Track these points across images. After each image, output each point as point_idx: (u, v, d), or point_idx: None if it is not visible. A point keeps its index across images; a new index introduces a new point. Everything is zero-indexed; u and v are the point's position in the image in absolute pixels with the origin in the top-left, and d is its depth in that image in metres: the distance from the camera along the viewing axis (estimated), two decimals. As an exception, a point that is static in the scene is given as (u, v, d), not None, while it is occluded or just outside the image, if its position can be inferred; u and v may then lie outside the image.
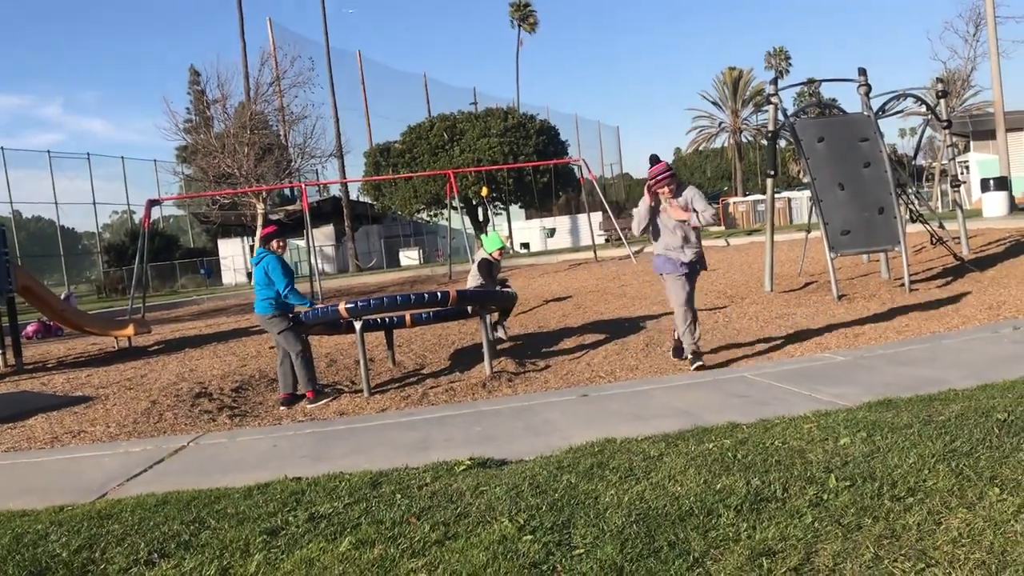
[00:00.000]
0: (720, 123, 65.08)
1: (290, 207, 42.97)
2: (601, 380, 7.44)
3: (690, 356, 7.26)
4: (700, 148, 69.67)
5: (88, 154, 41.59)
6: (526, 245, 46.30)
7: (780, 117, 12.25)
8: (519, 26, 65.78)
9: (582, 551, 2.88)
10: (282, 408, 7.61)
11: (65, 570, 3.21)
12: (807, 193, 14.50)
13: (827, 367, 6.32)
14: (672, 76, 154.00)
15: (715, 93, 65.37)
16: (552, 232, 47.59)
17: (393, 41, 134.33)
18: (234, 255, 44.46)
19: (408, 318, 9.23)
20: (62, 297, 14.63)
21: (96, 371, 10.71)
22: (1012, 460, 3.31)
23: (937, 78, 18.32)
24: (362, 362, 7.77)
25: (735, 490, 3.31)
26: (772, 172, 12.72)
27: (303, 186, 26.37)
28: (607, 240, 33.66)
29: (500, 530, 3.13)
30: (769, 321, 9.49)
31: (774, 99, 12.27)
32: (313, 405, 7.48)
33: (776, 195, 13.74)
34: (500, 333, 10.34)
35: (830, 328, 8.59)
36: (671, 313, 11.63)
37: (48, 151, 39.38)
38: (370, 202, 46.52)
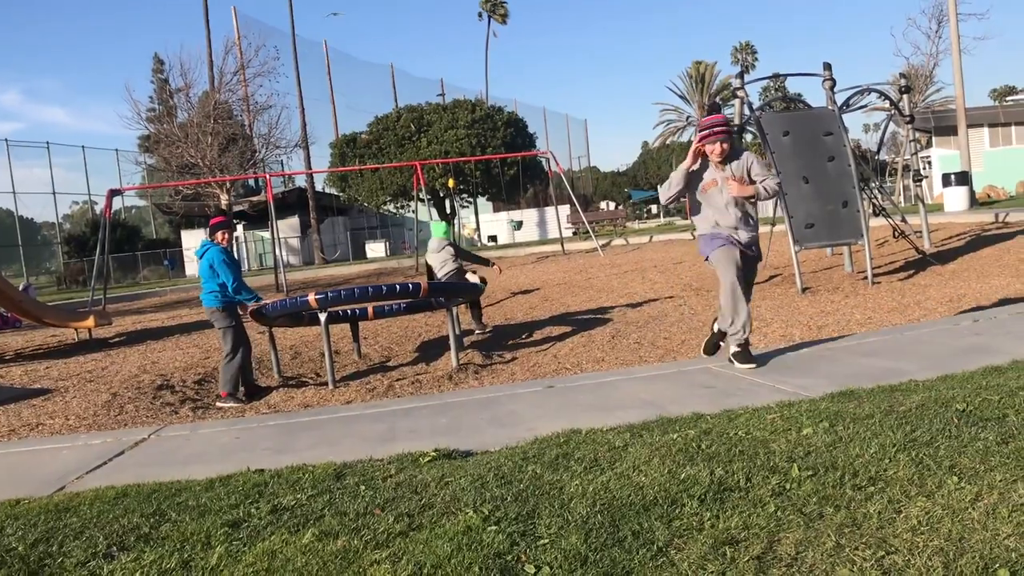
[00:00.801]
0: (687, 117, 65.47)
1: (254, 198, 42.62)
2: (567, 372, 7.45)
3: (735, 350, 5.94)
4: (667, 142, 70.04)
5: (47, 143, 40.91)
6: (493, 238, 46.30)
7: (746, 111, 12.34)
8: (489, 17, 65.63)
9: (547, 541, 2.88)
10: (244, 398, 7.53)
11: (21, 564, 3.15)
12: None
13: (791, 358, 6.37)
14: (640, 70, 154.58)
15: (682, 87, 65.76)
16: (519, 225, 47.63)
17: (360, 31, 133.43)
18: (197, 246, 43.90)
19: (370, 310, 9.18)
20: (20, 288, 14.37)
21: (55, 363, 10.54)
22: (970, 450, 3.35)
23: (900, 74, 18.52)
24: (327, 354, 7.71)
25: (699, 480, 3.32)
26: (737, 165, 12.79)
27: (268, 177, 26.15)
28: (575, 233, 33.73)
29: (465, 521, 3.12)
30: (734, 313, 9.55)
31: (740, 93, 12.35)
32: (222, 403, 7.40)
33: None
34: (477, 328, 10.28)
35: (794, 320, 8.67)
36: (637, 305, 11.78)
37: (6, 139, 38.66)
38: (336, 193, 46.22)
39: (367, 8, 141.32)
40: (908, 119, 14.20)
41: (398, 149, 39.14)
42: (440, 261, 10.37)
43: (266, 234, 35.70)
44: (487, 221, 47.92)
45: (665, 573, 2.60)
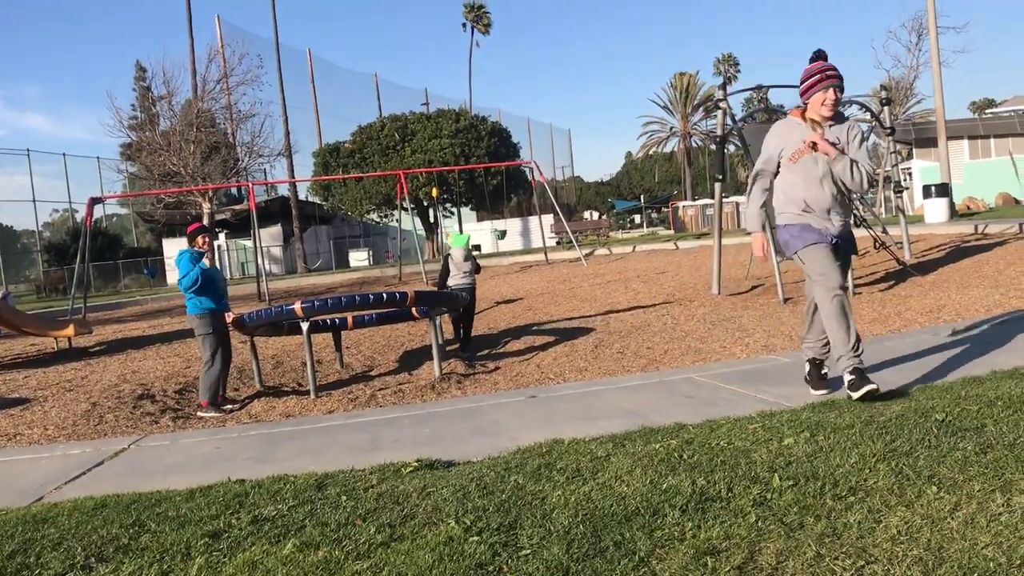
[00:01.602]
0: (671, 128, 65.82)
1: (237, 206, 42.45)
2: (550, 381, 7.45)
3: (849, 376, 4.67)
4: (651, 152, 70.38)
5: (28, 150, 40.74)
6: (477, 247, 46.29)
7: (728, 122, 12.41)
8: (473, 27, 65.82)
9: (528, 552, 2.88)
10: (226, 408, 7.49)
11: (-3, 576, 3.12)
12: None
13: (773, 368, 6.40)
14: (624, 81, 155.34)
15: (666, 97, 66.12)
16: (503, 234, 47.69)
17: (344, 40, 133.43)
18: (177, 256, 43.65)
19: (350, 320, 9.14)
20: (-1, 296, 14.22)
21: (34, 372, 10.44)
22: (949, 459, 3.38)
23: (881, 86, 18.77)
24: (309, 363, 7.68)
25: (681, 490, 3.33)
26: (720, 177, 12.88)
27: (250, 185, 26.06)
28: (558, 243, 33.79)
29: (446, 531, 3.11)
30: (716, 323, 9.60)
31: (723, 104, 12.43)
32: (203, 413, 7.36)
33: (724, 199, 13.96)
34: (463, 353, 9.74)
35: (776, 330, 8.71)
36: (620, 315, 11.79)
37: (-14, 147, 38.35)
38: (319, 202, 46.16)
39: (351, 17, 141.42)
40: (889, 131, 14.33)
41: (382, 158, 39.16)
42: (465, 270, 10.11)
43: (248, 243, 35.54)
44: (471, 230, 47.90)
45: (647, 583, 2.60)
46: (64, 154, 43.61)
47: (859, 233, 13.63)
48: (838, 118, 4.87)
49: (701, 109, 64.11)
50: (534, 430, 4.88)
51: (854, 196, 4.85)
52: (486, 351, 9.56)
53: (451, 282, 10.00)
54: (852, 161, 4.77)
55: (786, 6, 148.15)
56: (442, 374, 7.96)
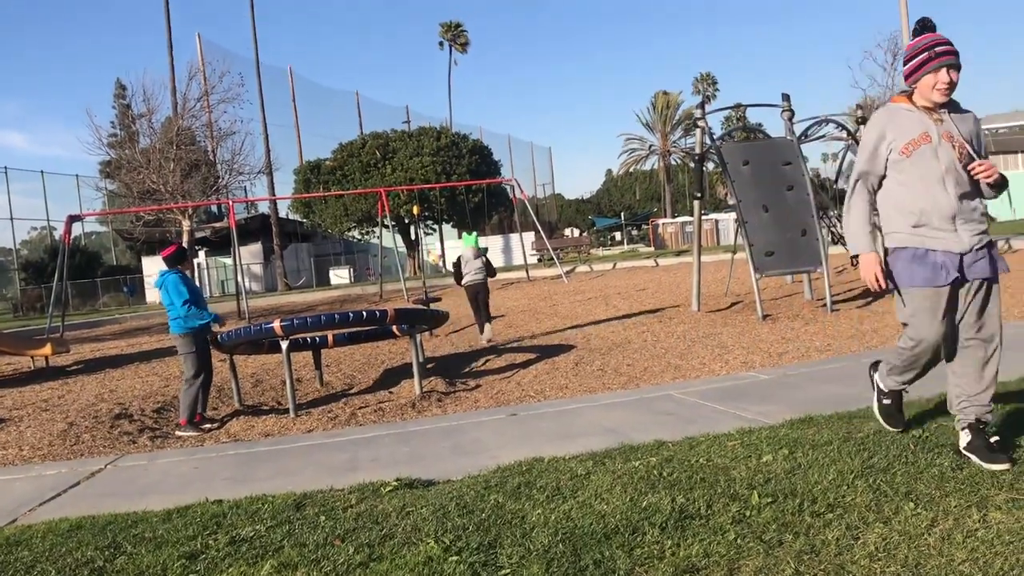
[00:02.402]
0: (651, 145, 66.18)
1: (217, 224, 42.26)
2: (531, 399, 7.44)
3: (969, 442, 3.62)
4: (631, 170, 70.73)
5: (5, 168, 40.39)
6: (456, 264, 46.26)
7: (707, 141, 12.51)
8: (450, 46, 66.04)
9: (508, 571, 2.87)
10: (205, 427, 7.43)
11: (-31, 600, 3.07)
12: (734, 215, 14.88)
13: (751, 385, 6.42)
14: (604, 99, 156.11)
15: (647, 115, 66.55)
16: (484, 251, 47.64)
17: (326, 59, 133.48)
18: (158, 273, 43.41)
19: (330, 338, 9.11)
20: (-25, 315, 14.08)
21: (10, 392, 10.32)
22: (926, 475, 3.40)
23: (857, 104, 18.92)
24: (288, 382, 7.64)
25: (660, 508, 3.33)
26: (699, 194, 12.97)
27: (230, 203, 25.96)
28: (539, 260, 33.84)
29: (426, 551, 3.10)
30: (696, 340, 9.63)
31: (701, 123, 12.52)
32: (181, 432, 7.30)
33: (704, 217, 14.07)
34: (487, 334, 11.67)
35: (755, 347, 8.75)
36: (601, 332, 11.83)
37: (-38, 165, 38.01)
38: (300, 220, 46.01)
39: (333, 36, 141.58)
40: (865, 149, 14.47)
41: (363, 175, 39.15)
42: (475, 268, 12.02)
43: (228, 260, 35.38)
44: (452, 247, 47.88)
45: (626, 602, 2.60)
46: (42, 172, 43.40)
47: (836, 250, 13.80)
48: (954, 106, 3.75)
49: (680, 127, 64.61)
50: (514, 448, 4.88)
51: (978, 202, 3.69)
52: (467, 368, 9.54)
53: (465, 280, 11.99)
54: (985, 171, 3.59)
55: (764, 26, 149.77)
56: (422, 392, 7.93)
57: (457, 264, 12.30)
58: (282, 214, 45.10)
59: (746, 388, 6.29)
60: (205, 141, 33.69)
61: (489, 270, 12.23)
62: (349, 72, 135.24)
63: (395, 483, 4.18)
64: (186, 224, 29.79)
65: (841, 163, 16.66)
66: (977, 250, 3.60)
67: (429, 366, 9.58)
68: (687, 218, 47.92)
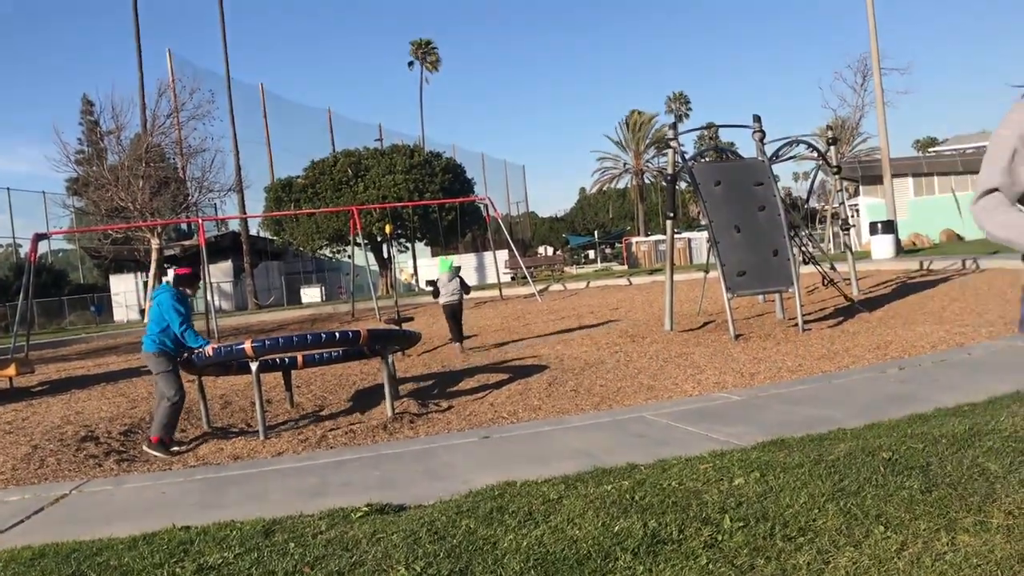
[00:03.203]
0: (624, 164, 66.65)
1: (187, 242, 41.85)
2: (504, 421, 7.42)
3: None
4: (604, 188, 71.15)
5: (-30, 185, 39.78)
6: (432, 283, 46.16)
7: (679, 160, 12.60)
8: (421, 64, 66.20)
9: (479, 599, 2.84)
10: (173, 449, 7.32)
11: (-75, 634, 2.99)
12: (706, 234, 14.97)
13: (724, 406, 6.44)
14: (578, 118, 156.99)
15: (620, 135, 67.06)
16: (457, 270, 47.58)
17: (297, 75, 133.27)
18: (126, 291, 42.97)
19: (300, 359, 9.02)
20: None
21: (-28, 414, 10.12)
22: (896, 498, 3.42)
23: (827, 125, 19.21)
24: (258, 403, 7.55)
25: (632, 532, 3.32)
26: (672, 214, 13.04)
27: (200, 221, 25.75)
28: (513, 278, 33.85)
29: (396, 579, 3.06)
30: (669, 360, 9.66)
31: (674, 143, 12.62)
32: (150, 449, 7.22)
33: (676, 236, 14.16)
34: (459, 351, 12.51)
35: (727, 367, 8.78)
36: (574, 352, 11.83)
37: (-74, 181, 37.48)
38: (271, 237, 45.73)
39: (304, 52, 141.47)
40: (835, 169, 14.66)
41: (335, 193, 39.03)
42: (452, 289, 12.87)
43: (199, 279, 35.11)
44: (425, 266, 47.75)
45: (598, 631, 2.57)
46: (8, 188, 42.87)
47: (807, 270, 13.93)
48: None
49: (653, 147, 65.18)
50: (487, 472, 4.85)
51: None
52: (440, 389, 9.50)
53: (441, 299, 12.90)
54: None
55: (737, 46, 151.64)
56: (394, 414, 7.88)
57: (434, 283, 13.36)
58: (253, 232, 44.79)
59: (718, 409, 6.31)
60: (175, 158, 33.45)
61: (465, 288, 13.11)
62: (321, 89, 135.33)
63: (366, 508, 4.14)
64: (155, 242, 29.53)
65: (812, 183, 16.93)
66: None
67: (401, 387, 9.52)
68: (660, 236, 48.21)
